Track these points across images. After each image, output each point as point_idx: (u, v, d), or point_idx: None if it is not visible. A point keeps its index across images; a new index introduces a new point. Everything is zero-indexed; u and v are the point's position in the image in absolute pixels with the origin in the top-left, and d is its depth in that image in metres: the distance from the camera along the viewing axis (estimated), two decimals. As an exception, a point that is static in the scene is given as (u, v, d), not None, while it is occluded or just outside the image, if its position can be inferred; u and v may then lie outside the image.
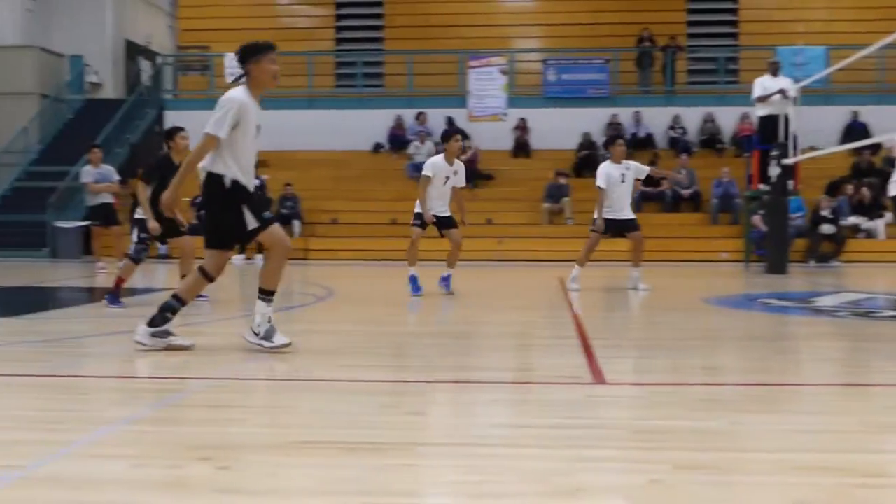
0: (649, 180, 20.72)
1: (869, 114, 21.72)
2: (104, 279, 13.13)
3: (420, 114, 23.17)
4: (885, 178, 13.34)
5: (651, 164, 21.07)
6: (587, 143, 22.19)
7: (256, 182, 20.37)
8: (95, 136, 20.50)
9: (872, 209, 18.87)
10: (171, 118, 23.76)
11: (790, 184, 14.90)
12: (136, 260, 9.38)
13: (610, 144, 11.43)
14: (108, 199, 15.21)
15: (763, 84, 15.09)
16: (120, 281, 9.25)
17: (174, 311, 6.07)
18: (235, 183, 5.88)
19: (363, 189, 21.18)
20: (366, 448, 3.59)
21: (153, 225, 9.26)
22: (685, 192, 20.53)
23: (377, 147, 23.37)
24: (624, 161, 11.18)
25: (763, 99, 14.99)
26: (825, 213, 18.07)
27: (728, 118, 22.72)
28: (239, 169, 5.91)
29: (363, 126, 23.11)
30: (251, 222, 5.88)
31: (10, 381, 5.18)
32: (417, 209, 10.40)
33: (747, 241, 16.93)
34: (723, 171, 20.08)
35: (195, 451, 3.53)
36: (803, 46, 21.52)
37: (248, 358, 5.91)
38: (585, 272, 11.40)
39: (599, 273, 11.88)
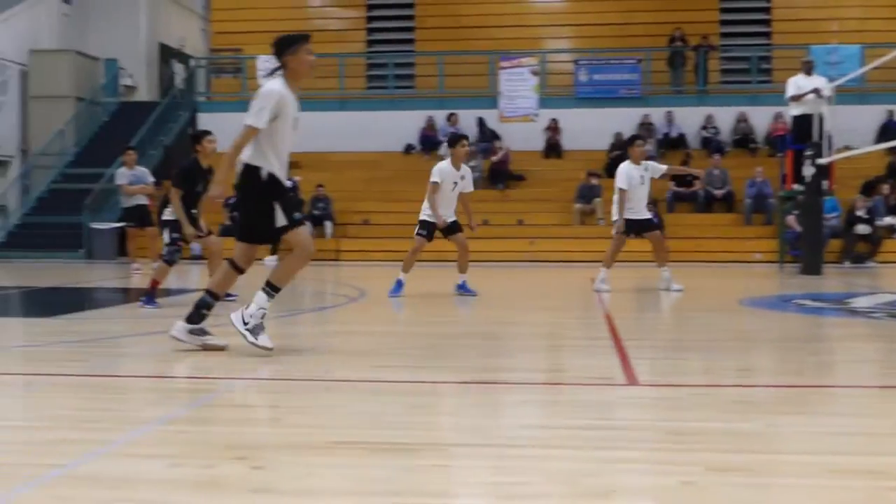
0: (681, 180, 20.65)
1: (905, 113, 21.50)
2: (139, 280, 13.26)
3: (451, 115, 23.20)
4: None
5: (683, 163, 21.01)
6: (619, 144, 22.07)
7: (289, 183, 20.45)
8: (130, 139, 20.70)
9: (908, 209, 18.67)
10: (204, 120, 23.98)
11: (825, 184, 14.76)
12: (169, 262, 9.47)
13: (629, 145, 11.38)
14: (142, 200, 15.37)
15: (797, 83, 14.97)
16: (155, 283, 9.35)
17: (209, 307, 6.10)
18: (272, 177, 5.88)
19: (394, 190, 21.23)
20: (398, 448, 3.61)
21: (190, 231, 9.36)
22: (718, 193, 20.40)
23: (408, 148, 23.42)
24: (643, 162, 11.17)
25: (797, 98, 14.87)
26: (860, 213, 17.89)
27: (761, 118, 22.56)
28: (277, 161, 5.92)
29: (394, 127, 23.18)
30: (280, 220, 5.87)
31: (48, 380, 5.26)
32: (422, 216, 10.38)
33: (781, 241, 16.80)
34: (756, 170, 19.93)
35: (230, 450, 3.57)
36: (837, 45, 21.30)
37: (281, 358, 5.96)
38: (615, 273, 11.37)
39: (631, 274, 11.85)
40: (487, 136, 22.97)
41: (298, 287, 13.32)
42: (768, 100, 21.90)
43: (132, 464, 3.40)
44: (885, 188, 19.01)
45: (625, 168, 11.10)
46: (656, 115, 22.94)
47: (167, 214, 9.53)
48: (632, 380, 5.12)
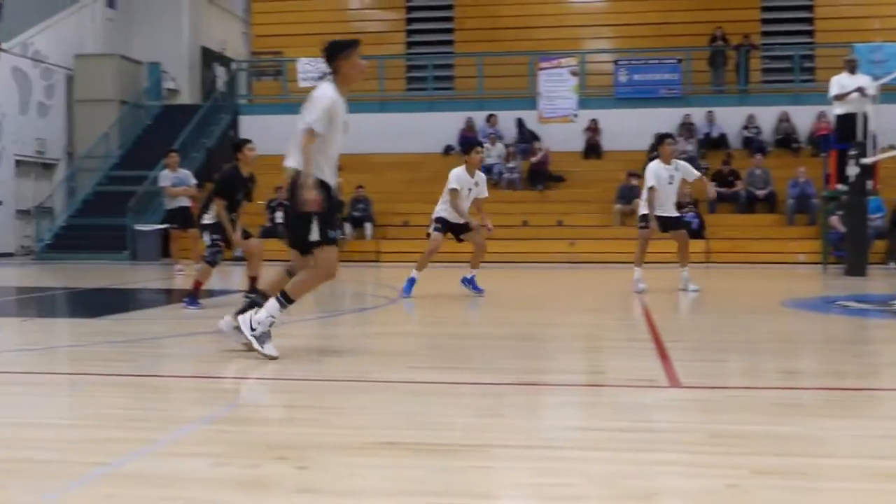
0: (723, 180, 20.48)
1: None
2: (182, 281, 13.40)
3: (490, 116, 23.19)
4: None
5: (724, 163, 20.86)
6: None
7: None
8: (172, 142, 20.93)
9: (955, 209, 18.34)
10: (246, 123, 24.20)
11: (869, 184, 14.57)
12: (211, 263, 9.56)
13: (659, 144, 11.33)
14: (185, 202, 15.53)
15: (840, 82, 14.80)
16: (197, 284, 9.45)
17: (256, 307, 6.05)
18: (320, 183, 5.87)
19: (434, 191, 21.05)
20: (439, 449, 3.62)
21: (237, 238, 9.50)
22: (760, 193, 20.21)
23: (448, 149, 23.44)
24: (674, 161, 11.16)
25: (840, 97, 14.69)
26: (906, 213, 17.62)
27: (804, 117, 22.31)
28: (327, 167, 5.92)
29: (434, 129, 23.22)
30: (314, 234, 5.84)
31: (94, 379, 5.33)
32: (436, 214, 10.52)
33: (825, 242, 16.60)
34: (799, 171, 19.72)
35: (273, 450, 3.60)
36: (881, 43, 21.01)
37: (323, 359, 6.00)
38: (654, 274, 11.35)
39: (670, 275, 11.77)
40: (527, 136, 22.94)
41: (338, 288, 13.39)
42: (811, 99, 21.65)
43: (177, 463, 3.44)
44: (932, 188, 18.70)
45: (653, 166, 11.12)
46: (697, 115, 22.77)
47: (207, 218, 9.63)
48: (674, 382, 5.09)
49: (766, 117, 22.70)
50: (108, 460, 3.44)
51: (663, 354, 6.04)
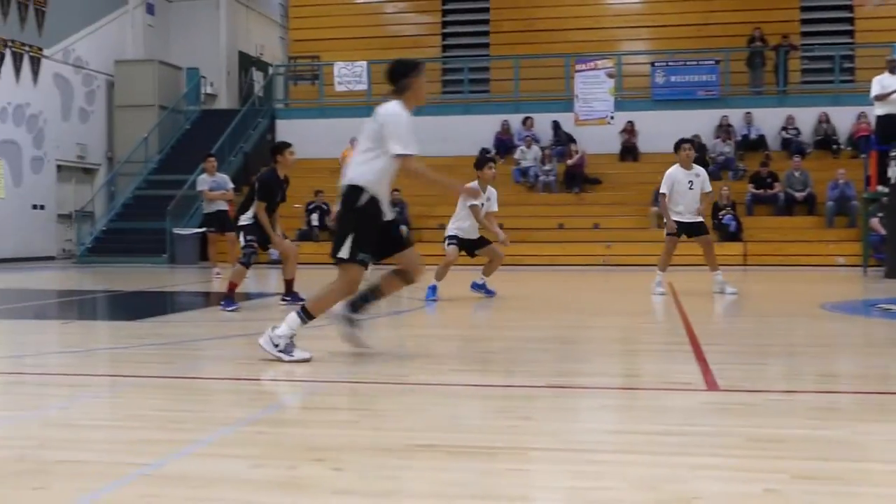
0: (762, 182, 20.31)
1: None
2: (220, 284, 13.50)
3: (526, 118, 23.17)
4: None
5: (762, 164, 20.68)
6: (696, 146, 21.78)
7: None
8: (211, 146, 21.13)
9: None
10: (282, 127, 24.36)
11: (911, 185, 14.37)
12: (245, 264, 9.64)
13: (676, 150, 11.35)
14: (222, 206, 15.66)
15: (881, 82, 14.63)
16: (232, 285, 9.53)
17: (367, 301, 6.15)
18: (371, 202, 5.84)
19: (470, 194, 21.22)
20: (477, 452, 3.62)
21: (277, 240, 9.64)
22: (799, 195, 20.02)
23: (484, 153, 23.42)
24: (695, 167, 11.22)
25: (881, 97, 14.52)
26: (949, 215, 17.36)
27: (844, 118, 22.08)
28: (386, 187, 5.94)
29: (470, 132, 23.24)
30: (344, 251, 5.84)
31: (135, 381, 5.39)
32: (450, 232, 10.68)
33: (865, 244, 16.40)
34: (838, 172, 19.51)
35: (310, 452, 3.62)
36: (924, 42, 20.73)
37: (360, 361, 6.01)
38: (685, 276, 11.30)
39: (705, 277, 11.67)
40: (563, 139, 22.89)
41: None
42: (851, 100, 21.43)
43: (216, 464, 3.47)
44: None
45: (671, 171, 11.23)
46: (735, 116, 22.60)
47: (243, 220, 9.72)
48: (712, 385, 5.05)
49: (806, 118, 22.48)
50: (147, 461, 3.47)
51: (701, 357, 6.00)
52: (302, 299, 9.49)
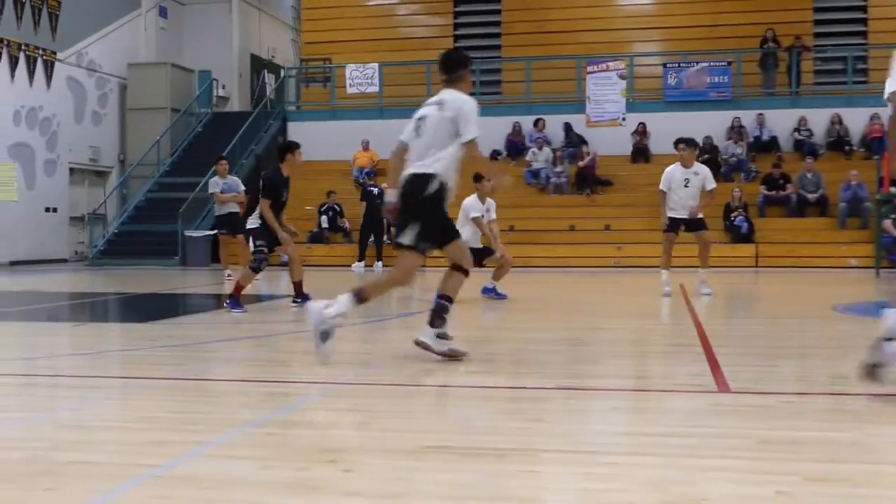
0: (774, 183, 20.24)
1: None
2: (231, 286, 13.53)
3: (538, 120, 23.15)
4: None
5: (775, 166, 20.62)
6: (708, 147, 21.76)
7: (375, 190, 20.61)
8: (222, 148, 21.16)
9: None
10: (294, 129, 24.40)
11: (924, 187, 14.32)
12: (255, 270, 9.64)
13: (676, 148, 11.53)
14: (234, 208, 15.67)
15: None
16: (239, 287, 9.55)
17: (447, 311, 6.05)
18: (441, 188, 5.89)
19: (481, 196, 21.21)
20: (487, 454, 3.62)
21: (285, 235, 9.62)
22: (811, 196, 19.95)
23: (495, 154, 23.42)
24: (696, 165, 11.32)
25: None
26: (962, 216, 17.29)
27: (857, 119, 21.98)
28: (452, 173, 5.96)
29: (481, 133, 23.15)
30: (407, 238, 5.88)
31: (146, 383, 5.40)
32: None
33: (877, 246, 16.33)
34: (851, 174, 19.42)
35: (321, 453, 3.62)
36: (938, 43, 20.63)
37: (371, 363, 6.02)
38: (695, 278, 11.35)
39: (718, 279, 11.66)
40: (574, 140, 22.86)
41: (385, 293, 13.45)
42: (864, 101, 21.33)
43: (226, 465, 3.48)
44: None
45: (669, 169, 11.42)
46: (747, 117, 22.53)
47: (251, 222, 9.73)
48: (723, 387, 5.04)
49: (818, 120, 22.39)
50: (158, 462, 3.48)
51: (712, 359, 5.98)
52: (311, 298, 9.53)
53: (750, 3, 24.20)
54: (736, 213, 19.45)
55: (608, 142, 22.52)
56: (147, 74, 25.10)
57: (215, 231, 17.49)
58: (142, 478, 3.29)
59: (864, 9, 24.33)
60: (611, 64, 23.03)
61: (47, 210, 22.41)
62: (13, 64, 21.21)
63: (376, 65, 24.13)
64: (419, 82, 24.06)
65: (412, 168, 5.95)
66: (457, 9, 26.38)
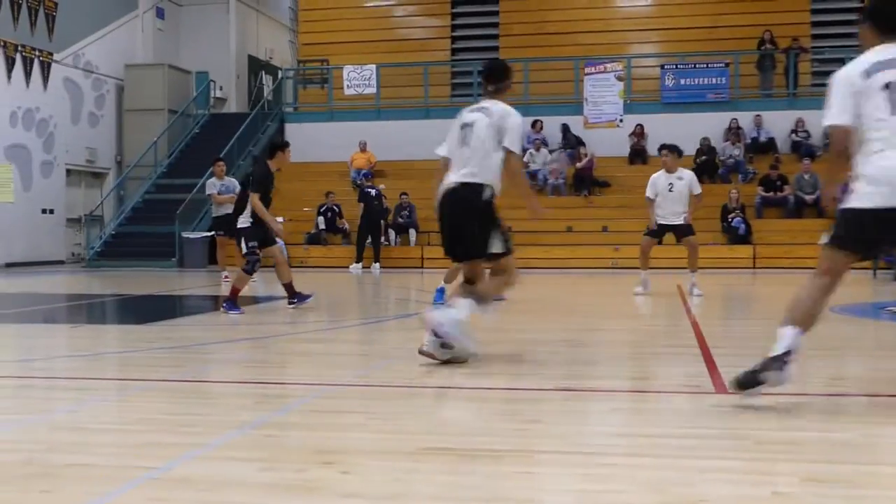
0: (771, 185, 20.26)
1: None
2: (228, 288, 13.52)
3: (536, 121, 23.15)
4: None
5: (772, 167, 20.63)
6: (706, 149, 21.78)
7: (373, 191, 20.58)
8: (220, 150, 21.15)
9: None
10: (292, 130, 24.39)
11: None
12: (249, 272, 9.63)
13: (659, 153, 11.74)
14: (231, 210, 15.67)
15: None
16: (235, 290, 9.54)
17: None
18: (492, 195, 5.94)
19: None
20: (485, 455, 3.62)
21: (277, 227, 9.62)
22: (808, 198, 19.96)
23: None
24: (679, 171, 11.44)
25: (892, 100, 14.47)
26: (960, 217, 17.27)
27: (854, 121, 21.96)
28: (498, 182, 5.99)
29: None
30: (498, 246, 5.93)
31: (143, 385, 5.39)
32: None
33: (875, 247, 16.33)
34: (849, 175, 19.39)
35: (319, 455, 3.62)
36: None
37: (369, 364, 6.01)
38: (702, 279, 11.39)
39: (715, 280, 11.67)
40: (572, 142, 22.86)
41: (383, 294, 13.46)
42: (862, 102, 21.33)
43: (224, 467, 3.47)
44: None
45: (653, 177, 11.62)
46: (744, 119, 22.55)
47: (242, 222, 9.72)
48: (720, 388, 5.03)
49: (816, 121, 22.31)
50: (155, 465, 3.47)
51: (709, 360, 5.98)
52: (307, 296, 9.58)
53: (747, 5, 24.21)
54: (733, 215, 19.46)
55: (606, 143, 22.53)
56: (144, 75, 25.08)
57: (212, 232, 17.48)
58: (139, 480, 3.28)
59: (861, 10, 24.30)
60: (608, 65, 23.05)
61: (44, 212, 22.38)
62: (10, 65, 21.19)
63: (374, 66, 24.14)
64: (417, 84, 24.08)
65: (459, 176, 5.94)
66: (454, 10, 26.38)
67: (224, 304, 9.49)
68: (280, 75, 27.29)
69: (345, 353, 6.93)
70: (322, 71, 26.32)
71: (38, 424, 4.32)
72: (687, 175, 11.45)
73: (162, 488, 3.21)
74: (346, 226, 20.56)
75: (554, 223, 20.46)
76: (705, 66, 23.19)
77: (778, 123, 22.49)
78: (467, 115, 6.19)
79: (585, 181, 21.72)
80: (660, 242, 11.78)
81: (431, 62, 24.87)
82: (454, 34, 26.45)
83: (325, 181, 22.15)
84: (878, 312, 9.59)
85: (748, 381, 4.45)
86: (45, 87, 22.29)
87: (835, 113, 4.50)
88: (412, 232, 20.44)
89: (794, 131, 22.42)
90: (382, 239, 19.78)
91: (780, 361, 4.37)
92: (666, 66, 23.36)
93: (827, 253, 4.57)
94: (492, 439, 3.90)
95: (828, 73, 19.63)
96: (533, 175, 22.20)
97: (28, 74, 21.74)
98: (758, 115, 22.60)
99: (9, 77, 21.14)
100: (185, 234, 20.92)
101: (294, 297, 9.89)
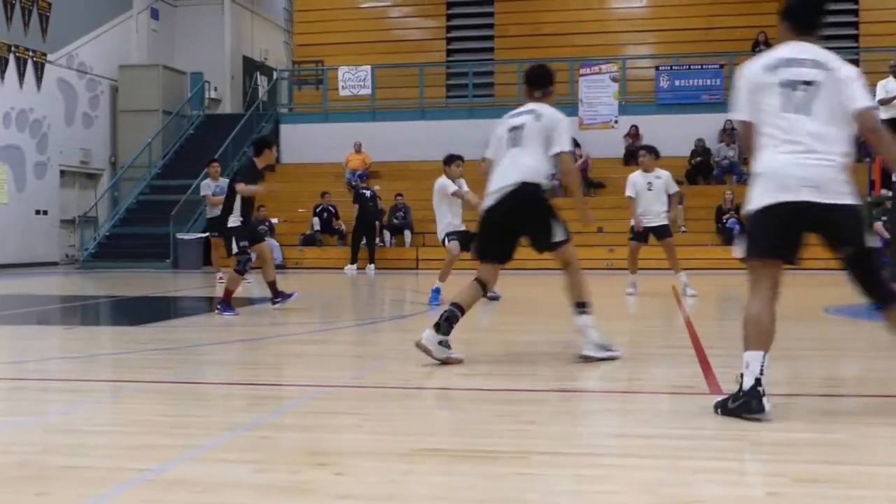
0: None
1: None
2: (222, 289, 13.50)
3: (531, 122, 23.14)
4: None
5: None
6: (700, 150, 21.81)
7: (368, 193, 20.56)
8: (214, 151, 21.11)
9: None
10: (287, 131, 24.39)
11: (915, 189, 14.36)
12: (240, 272, 9.62)
13: (637, 155, 11.95)
14: (226, 211, 15.66)
15: (885, 87, 14.65)
16: (228, 292, 9.53)
17: (456, 320, 6.02)
18: (546, 194, 6.19)
19: (474, 199, 21.22)
20: (480, 456, 3.62)
21: (262, 189, 9.67)
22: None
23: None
24: (656, 170, 11.70)
25: (885, 102, 14.52)
26: (953, 218, 17.32)
27: (848, 122, 22.01)
28: (548, 183, 6.24)
29: (474, 136, 23.14)
30: (560, 234, 6.14)
31: (137, 386, 5.39)
32: (448, 229, 10.76)
33: (869, 248, 16.36)
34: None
35: (313, 456, 3.62)
36: (928, 46, 20.70)
37: (364, 366, 6.01)
38: (690, 279, 11.48)
39: (710, 281, 11.69)
40: (567, 143, 22.86)
41: (378, 295, 13.46)
42: (856, 104, 21.38)
43: (219, 469, 3.47)
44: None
45: (630, 176, 11.93)
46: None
47: (232, 221, 9.70)
48: (715, 389, 5.04)
49: (810, 122, 22.41)
50: (150, 466, 3.47)
51: (704, 361, 5.99)
52: (289, 295, 9.59)
53: (742, 7, 24.25)
54: (728, 216, 19.48)
55: (600, 144, 22.54)
56: (138, 76, 25.04)
57: (207, 234, 17.46)
58: (133, 482, 3.28)
59: (855, 12, 24.41)
60: (603, 66, 23.06)
61: (38, 213, 22.34)
62: (3, 65, 21.15)
63: (369, 67, 24.13)
64: (412, 85, 24.07)
65: (518, 176, 6.09)
66: (450, 11, 26.38)
67: (218, 306, 9.48)
68: (275, 76, 27.26)
69: (339, 355, 6.92)
70: (317, 72, 26.31)
71: (32, 426, 4.31)
72: (664, 174, 11.72)
73: (156, 490, 3.20)
74: (343, 227, 20.55)
75: (549, 224, 20.44)
76: (700, 67, 23.22)
77: (772, 125, 22.50)
78: (514, 118, 6.38)
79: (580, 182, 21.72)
80: (646, 242, 11.86)
81: (427, 63, 24.87)
82: (449, 35, 26.46)
83: (320, 182, 22.14)
84: (872, 313, 9.59)
85: (729, 412, 4.35)
86: (38, 88, 22.25)
87: (737, 107, 4.52)
88: (407, 233, 20.43)
89: (789, 132, 22.45)
90: (378, 240, 19.78)
91: (755, 393, 4.25)
92: (661, 68, 23.39)
93: (749, 267, 4.57)
94: (487, 440, 3.90)
95: (822, 75, 19.17)
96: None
97: (21, 75, 21.70)
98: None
99: (2, 77, 21.10)
100: (179, 236, 20.89)
101: (277, 296, 9.86)
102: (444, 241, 10.76)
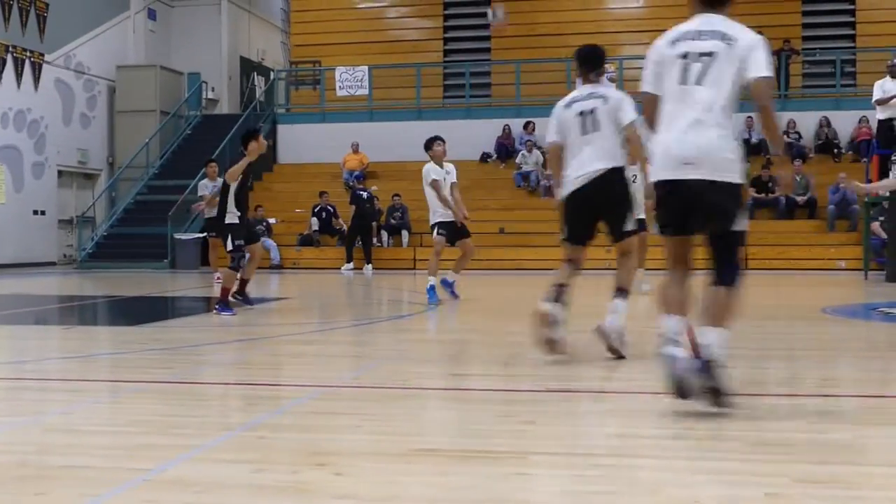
0: (762, 186, 20.30)
1: None
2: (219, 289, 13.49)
3: (528, 123, 23.16)
4: None
5: (764, 168, 20.67)
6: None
7: (364, 193, 20.54)
8: (212, 151, 21.10)
9: None
10: (284, 132, 24.38)
11: (912, 189, 14.36)
12: (234, 268, 9.61)
13: None
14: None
15: (883, 87, 14.64)
16: (225, 291, 9.52)
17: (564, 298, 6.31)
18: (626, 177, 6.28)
19: (471, 199, 21.01)
20: (479, 456, 3.62)
21: (242, 162, 9.53)
22: (800, 199, 20.01)
23: (484, 157, 23.44)
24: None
25: (883, 102, 14.53)
26: (950, 219, 17.33)
27: (845, 122, 22.05)
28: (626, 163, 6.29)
29: (471, 136, 23.21)
30: (630, 224, 6.33)
31: (136, 386, 5.39)
32: (438, 219, 10.64)
33: (866, 248, 16.37)
34: (840, 176, 19.46)
35: (312, 457, 3.62)
36: (925, 46, 20.71)
37: (362, 366, 6.00)
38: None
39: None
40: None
41: (376, 296, 13.46)
42: (852, 104, 21.40)
43: (217, 469, 3.47)
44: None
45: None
46: (736, 120, 22.49)
47: (230, 218, 9.69)
48: (714, 389, 5.03)
49: (807, 123, 22.46)
50: (148, 466, 3.47)
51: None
52: (251, 302, 9.62)
53: (738, 7, 24.09)
54: (725, 216, 19.46)
55: (598, 145, 22.50)
56: (136, 77, 25.02)
57: (205, 234, 17.46)
58: (132, 482, 3.28)
59: (852, 12, 24.43)
60: (600, 67, 23.00)
61: (35, 213, 22.31)
62: (1, 66, 21.12)
63: (366, 67, 24.12)
64: (409, 85, 24.07)
65: (601, 162, 6.12)
66: (447, 12, 26.38)
67: (216, 306, 9.47)
68: (272, 76, 27.24)
69: (337, 355, 6.92)
70: (314, 72, 26.30)
71: (30, 426, 4.31)
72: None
73: (155, 490, 3.20)
74: (343, 227, 20.53)
75: (546, 224, 20.45)
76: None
77: (769, 125, 22.52)
78: (579, 103, 6.39)
79: (577, 182, 21.70)
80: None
81: (424, 63, 24.87)
82: (446, 35, 26.45)
83: (318, 182, 22.13)
84: (869, 313, 9.62)
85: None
86: (36, 88, 22.23)
87: (644, 80, 4.59)
88: (404, 233, 20.42)
89: (786, 133, 22.45)
90: (375, 240, 19.77)
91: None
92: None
93: (663, 242, 4.70)
94: (485, 441, 3.90)
95: (819, 75, 19.85)
96: (525, 177, 22.23)
97: (19, 75, 21.68)
98: (749, 117, 22.62)
99: None
100: (177, 236, 20.88)
101: (241, 294, 9.88)
102: (433, 230, 10.71)
